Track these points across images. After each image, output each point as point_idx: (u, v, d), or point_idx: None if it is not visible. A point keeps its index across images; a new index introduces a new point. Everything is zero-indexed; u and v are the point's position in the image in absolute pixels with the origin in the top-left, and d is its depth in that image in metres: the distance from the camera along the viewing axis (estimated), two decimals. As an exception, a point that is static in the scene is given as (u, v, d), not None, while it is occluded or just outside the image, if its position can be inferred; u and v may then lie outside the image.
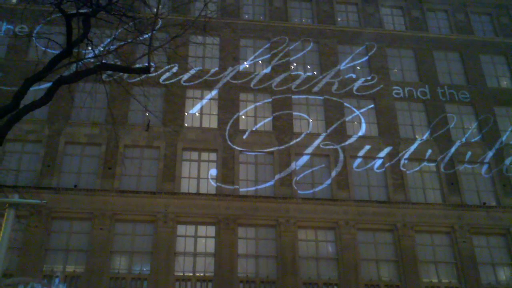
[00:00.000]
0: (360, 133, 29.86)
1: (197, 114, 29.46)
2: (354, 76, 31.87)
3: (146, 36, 13.85)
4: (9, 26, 30.62)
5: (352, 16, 35.05)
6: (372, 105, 30.99)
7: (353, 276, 25.40)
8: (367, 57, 32.80)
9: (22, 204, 15.32)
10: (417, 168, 29.27)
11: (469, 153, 29.97)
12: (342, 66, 32.16)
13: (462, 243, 26.93)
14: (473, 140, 30.59)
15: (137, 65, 14.14)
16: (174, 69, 29.64)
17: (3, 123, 11.75)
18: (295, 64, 32.03)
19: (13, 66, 28.84)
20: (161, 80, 29.56)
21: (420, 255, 26.56)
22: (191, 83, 29.96)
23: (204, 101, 29.83)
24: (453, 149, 29.93)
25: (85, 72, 12.39)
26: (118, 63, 15.36)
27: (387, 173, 28.77)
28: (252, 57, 31.91)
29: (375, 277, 25.91)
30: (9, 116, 11.81)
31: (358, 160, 28.99)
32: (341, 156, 28.78)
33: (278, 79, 30.86)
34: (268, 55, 32.00)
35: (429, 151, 29.71)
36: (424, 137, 30.32)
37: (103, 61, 12.75)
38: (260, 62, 31.86)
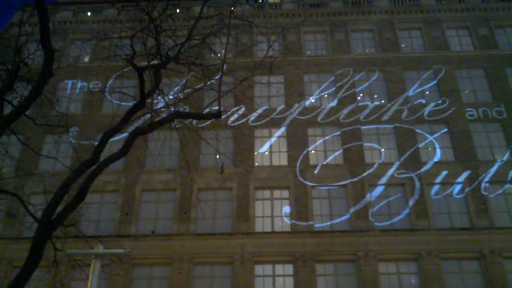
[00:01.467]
0: (435, 159, 28.94)
1: (267, 153, 29.67)
2: (423, 101, 31.13)
3: (213, 81, 14.12)
4: (83, 84, 32.47)
5: (417, 41, 34.52)
6: (446, 129, 30.06)
7: (440, 309, 24.30)
8: (435, 81, 32.01)
9: (107, 254, 15.74)
10: (500, 191, 27.94)
11: (555, 171, 28.30)
12: (410, 92, 31.55)
13: (556, 267, 25.24)
14: (557, 158, 28.88)
15: (207, 110, 14.37)
16: (241, 111, 30.11)
17: (85, 176, 12.16)
18: (361, 94, 31.76)
19: (89, 121, 30.57)
20: (229, 123, 30.14)
21: (511, 283, 24.99)
22: (259, 123, 30.37)
23: (273, 139, 30.04)
24: (537, 169, 28.38)
25: (159, 122, 12.73)
26: (187, 109, 15.68)
27: (468, 198, 27.64)
28: (317, 92, 31.94)
29: (466, 309, 24.65)
30: (91, 170, 12.22)
31: (436, 187, 28.03)
32: (418, 184, 27.92)
33: (345, 111, 30.65)
34: (334, 88, 31.96)
35: (511, 172, 28.23)
36: (504, 158, 28.94)
37: (176, 110, 13.06)
38: (326, 96, 31.82)
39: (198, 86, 14.75)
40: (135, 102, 13.02)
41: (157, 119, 13.00)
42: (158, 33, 12.39)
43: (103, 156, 12.52)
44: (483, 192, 27.74)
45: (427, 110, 30.67)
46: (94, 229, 26.23)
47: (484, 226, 26.59)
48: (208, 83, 14.05)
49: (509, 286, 24.80)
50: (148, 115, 13.72)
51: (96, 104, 31.60)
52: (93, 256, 14.15)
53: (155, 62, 12.75)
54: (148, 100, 13.21)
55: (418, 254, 25.75)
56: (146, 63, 12.74)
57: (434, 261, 25.53)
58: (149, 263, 26.07)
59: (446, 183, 28.14)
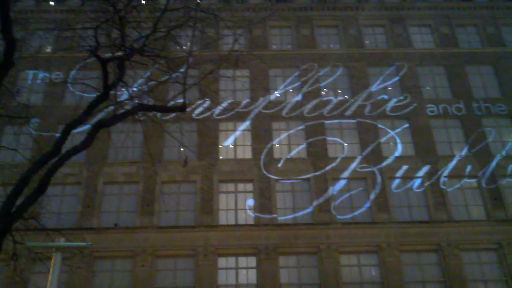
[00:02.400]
0: (396, 154, 29.51)
1: (231, 146, 29.68)
2: (386, 97, 31.67)
3: (178, 73, 14.05)
4: (45, 74, 31.71)
5: (380, 38, 35.01)
6: (407, 125, 30.66)
7: (400, 300, 24.80)
8: (398, 77, 32.58)
9: (68, 247, 15.56)
10: (458, 185, 28.68)
11: (511, 166, 29.20)
12: (373, 88, 32.03)
13: (511, 259, 26.09)
14: (514, 153, 29.84)
15: (172, 103, 14.32)
16: (206, 104, 29.95)
17: (46, 169, 11.98)
18: (325, 89, 32.02)
19: (50, 112, 29.89)
20: (194, 116, 29.98)
21: (467, 274, 25.86)
22: (224, 116, 30.28)
23: (237, 132, 30.05)
24: (493, 163, 29.27)
25: (123, 115, 12.61)
26: (152, 102, 15.58)
27: (427, 192, 28.29)
28: (282, 86, 32.12)
29: (425, 299, 25.27)
30: (52, 162, 12.05)
31: (397, 181, 28.60)
32: (379, 178, 28.44)
33: (309, 106, 30.89)
34: (298, 83, 32.16)
35: (469, 167, 29.11)
36: (463, 153, 29.73)
37: (140, 102, 12.96)
38: (291, 90, 32.00)
39: (163, 78, 14.64)
40: (98, 93, 12.88)
41: (120, 111, 12.89)
42: (123, 25, 12.25)
43: (65, 148, 12.36)
44: (441, 186, 28.45)
45: (389, 105, 31.20)
46: (55, 222, 25.75)
47: (442, 219, 27.30)
48: (173, 76, 13.97)
49: (465, 277, 25.57)
50: (111, 107, 13.56)
51: (58, 95, 30.96)
52: (54, 249, 14.00)
53: (119, 53, 12.62)
54: (112, 92, 13.08)
55: (379, 246, 26.26)
56: (110, 54, 12.60)
57: (394, 253, 26.07)
58: (112, 256, 25.81)
59: (407, 177, 28.74)
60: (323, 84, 32.17)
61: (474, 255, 26.53)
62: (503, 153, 29.80)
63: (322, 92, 31.83)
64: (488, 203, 28.06)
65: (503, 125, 31.16)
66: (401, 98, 31.60)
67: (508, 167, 29.23)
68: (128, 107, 13.69)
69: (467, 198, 28.55)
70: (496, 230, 26.96)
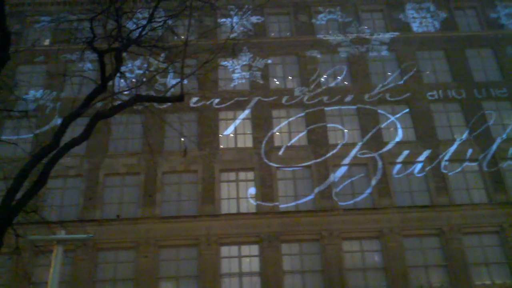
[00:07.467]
0: (397, 139, 29.42)
1: (232, 135, 29.62)
2: (385, 82, 31.53)
3: (176, 63, 14.00)
4: (42, 67, 31.53)
5: (379, 23, 34.76)
6: (407, 110, 30.53)
7: (402, 284, 24.89)
8: (397, 62, 32.37)
9: (69, 240, 15.60)
10: (459, 169, 28.60)
11: (512, 149, 29.16)
12: (373, 73, 31.85)
13: (513, 241, 26.16)
14: (514, 136, 29.77)
15: (170, 94, 14.30)
16: (205, 93, 29.80)
17: (45, 162, 11.99)
18: (325, 76, 31.86)
19: (49, 105, 29.78)
20: (192, 104, 29.85)
21: (470, 258, 25.87)
22: (223, 105, 30.20)
23: (237, 121, 29.97)
24: (494, 147, 29.15)
25: (121, 106, 12.60)
26: (151, 93, 15.55)
27: (428, 176, 28.22)
28: (281, 74, 31.97)
29: (426, 284, 25.30)
30: (51, 155, 12.05)
31: (398, 166, 28.54)
32: (380, 163, 28.41)
33: (309, 93, 30.79)
34: (297, 70, 32.02)
35: (470, 150, 29.02)
36: (463, 137, 29.61)
37: (138, 93, 12.93)
38: (290, 77, 31.87)
39: (160, 69, 14.61)
40: (96, 85, 12.86)
41: (118, 103, 12.86)
42: (119, 15, 12.20)
43: (65, 141, 12.35)
44: (443, 171, 28.36)
45: (389, 91, 31.15)
46: (58, 214, 25.88)
47: (444, 204, 27.28)
48: (170, 66, 13.93)
49: (467, 261, 25.61)
50: (110, 99, 13.54)
51: (56, 88, 30.84)
52: (55, 242, 14.01)
53: (116, 45, 12.58)
54: (110, 84, 13.04)
55: (381, 232, 26.27)
56: (106, 46, 12.56)
57: (396, 238, 26.09)
58: (114, 248, 25.87)
59: (408, 162, 28.65)
60: (322, 71, 31.96)
61: (476, 239, 26.50)
62: (504, 136, 29.67)
63: (322, 79, 31.68)
64: (490, 186, 27.99)
65: (504, 108, 30.97)
66: (401, 83, 31.46)
67: (509, 150, 29.10)
68: (126, 98, 13.65)
69: (468, 182, 28.43)
70: (498, 213, 26.93)
